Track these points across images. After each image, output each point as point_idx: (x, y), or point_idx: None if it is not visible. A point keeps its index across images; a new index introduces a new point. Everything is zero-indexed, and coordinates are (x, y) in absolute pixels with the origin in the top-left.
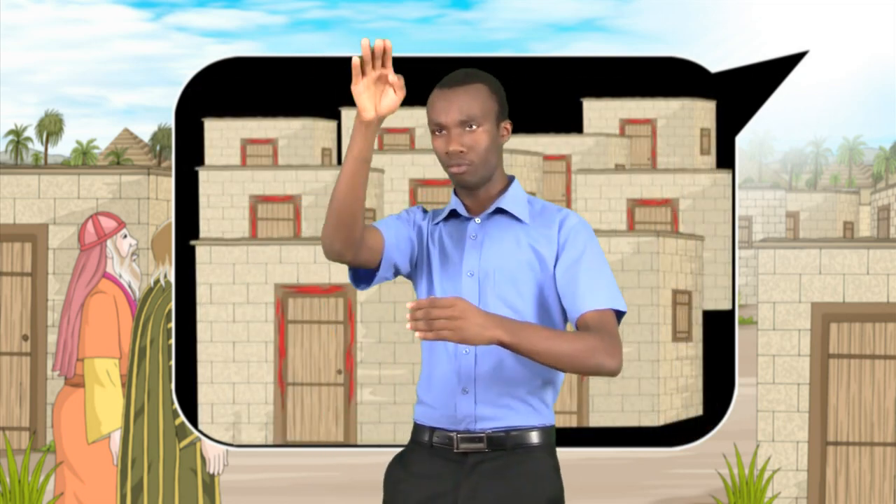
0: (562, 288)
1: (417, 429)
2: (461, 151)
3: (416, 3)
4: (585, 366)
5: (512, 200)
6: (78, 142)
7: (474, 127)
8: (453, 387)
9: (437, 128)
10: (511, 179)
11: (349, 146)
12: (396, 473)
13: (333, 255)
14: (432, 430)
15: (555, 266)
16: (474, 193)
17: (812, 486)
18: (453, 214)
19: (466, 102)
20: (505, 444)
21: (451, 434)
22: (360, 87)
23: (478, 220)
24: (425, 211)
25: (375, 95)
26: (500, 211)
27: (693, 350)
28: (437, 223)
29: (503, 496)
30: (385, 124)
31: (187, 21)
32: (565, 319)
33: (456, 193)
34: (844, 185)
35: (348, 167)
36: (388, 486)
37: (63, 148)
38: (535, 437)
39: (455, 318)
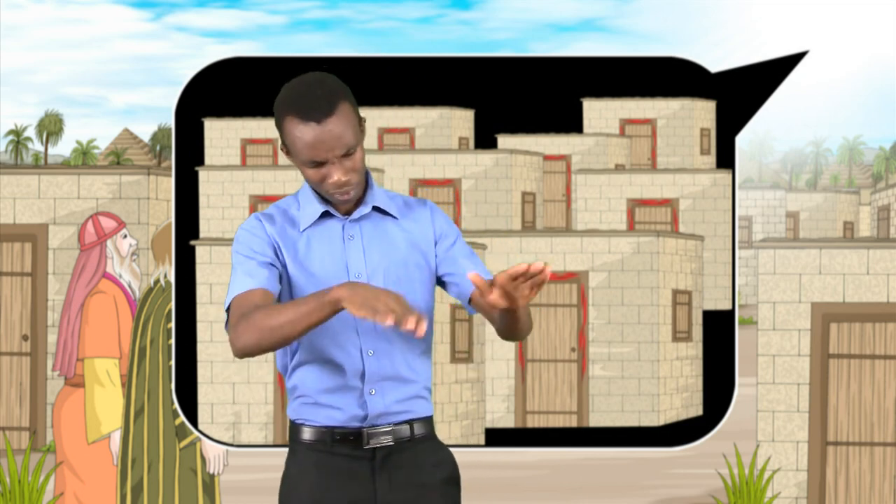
0: (447, 273)
1: (309, 430)
2: (349, 180)
3: (416, 3)
4: (524, 332)
5: (380, 197)
6: (78, 142)
7: (352, 151)
8: (359, 388)
9: (312, 164)
10: (365, 171)
11: (327, 295)
12: (298, 481)
13: (244, 356)
14: (331, 429)
15: (436, 250)
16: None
17: (812, 486)
18: (321, 216)
19: (341, 133)
20: (408, 435)
21: (359, 431)
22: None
23: (351, 219)
24: (262, 218)
25: None
26: (372, 208)
27: (693, 350)
28: (304, 230)
29: (420, 484)
30: (385, 124)
31: (187, 21)
32: (433, 307)
33: (317, 193)
34: (844, 185)
35: (325, 312)
36: (290, 497)
37: (63, 148)
38: (427, 427)
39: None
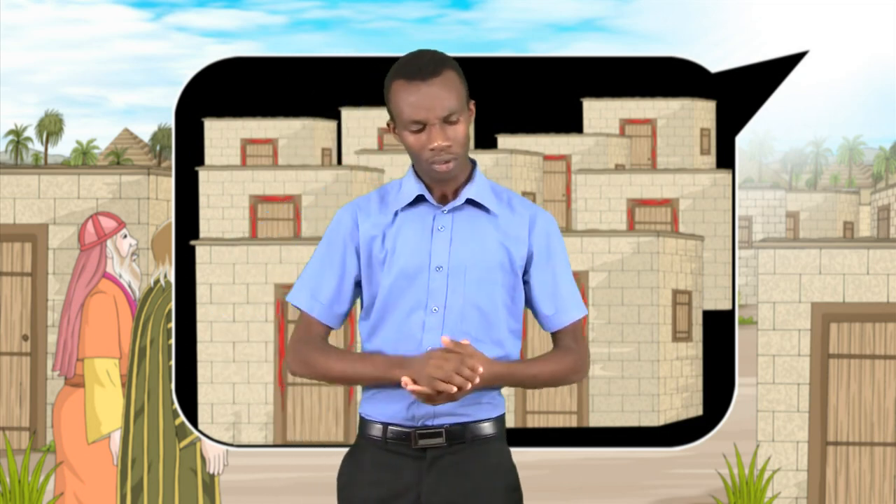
0: (538, 295)
1: (369, 425)
2: (449, 146)
3: (416, 3)
4: (565, 383)
5: (481, 190)
6: (78, 142)
7: (455, 119)
8: None
9: (414, 125)
10: (473, 163)
11: (392, 371)
12: (353, 473)
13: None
14: (386, 425)
15: (525, 267)
16: (445, 181)
17: (812, 486)
18: (416, 200)
19: (445, 95)
20: (463, 437)
21: (409, 430)
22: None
23: (445, 210)
24: (357, 210)
25: None
26: (468, 201)
27: (693, 350)
28: (397, 211)
29: (467, 490)
30: (385, 124)
31: (187, 21)
32: (520, 314)
33: (417, 176)
34: (844, 185)
35: (381, 384)
36: (344, 487)
37: (63, 148)
38: (490, 428)
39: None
